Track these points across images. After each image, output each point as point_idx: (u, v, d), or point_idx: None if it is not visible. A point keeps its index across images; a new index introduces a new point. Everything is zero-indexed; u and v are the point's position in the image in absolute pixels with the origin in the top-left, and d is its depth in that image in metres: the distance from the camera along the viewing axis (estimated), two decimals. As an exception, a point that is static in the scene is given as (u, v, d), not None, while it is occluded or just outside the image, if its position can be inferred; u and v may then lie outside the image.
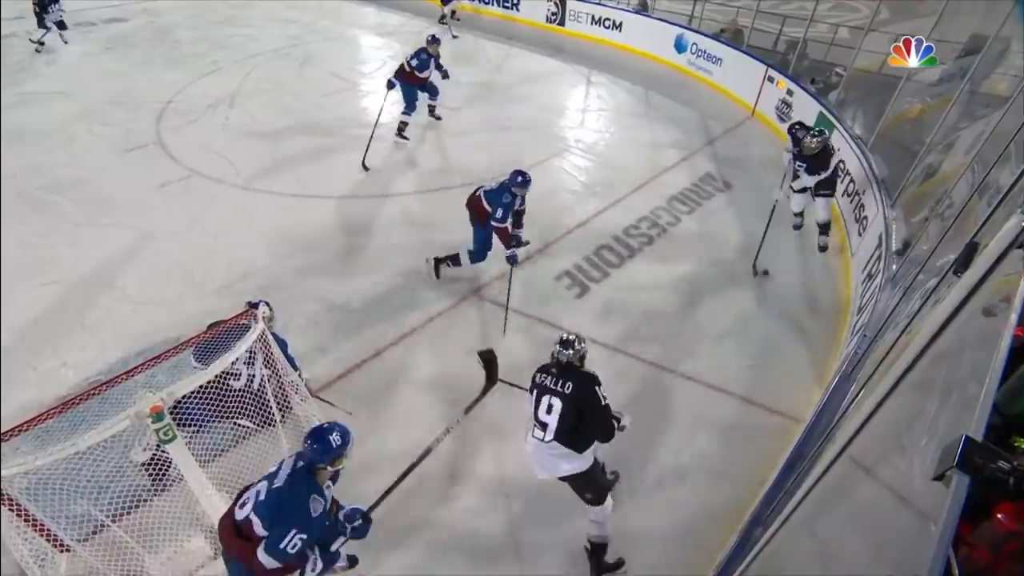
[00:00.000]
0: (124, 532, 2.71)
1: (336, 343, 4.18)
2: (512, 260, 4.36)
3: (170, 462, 2.74)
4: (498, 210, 4.25)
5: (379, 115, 6.62)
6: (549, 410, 2.61)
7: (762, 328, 4.45)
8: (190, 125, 7.32)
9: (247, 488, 2.38)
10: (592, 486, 2.74)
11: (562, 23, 11.03)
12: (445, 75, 7.10)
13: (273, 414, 3.02)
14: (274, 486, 2.27)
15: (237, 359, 2.81)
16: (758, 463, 3.36)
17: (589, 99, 8.62)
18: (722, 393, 3.89)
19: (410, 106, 6.85)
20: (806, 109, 6.70)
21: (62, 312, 4.42)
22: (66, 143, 6.87)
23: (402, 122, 6.94)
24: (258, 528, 2.22)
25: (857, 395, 2.41)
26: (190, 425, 2.88)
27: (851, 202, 5.42)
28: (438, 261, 4.71)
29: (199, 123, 7.39)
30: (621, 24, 10.19)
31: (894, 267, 3.90)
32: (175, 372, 2.97)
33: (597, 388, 2.62)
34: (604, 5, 10.43)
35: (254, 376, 3.14)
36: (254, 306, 3.23)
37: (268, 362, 3.04)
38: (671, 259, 5.16)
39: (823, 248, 5.36)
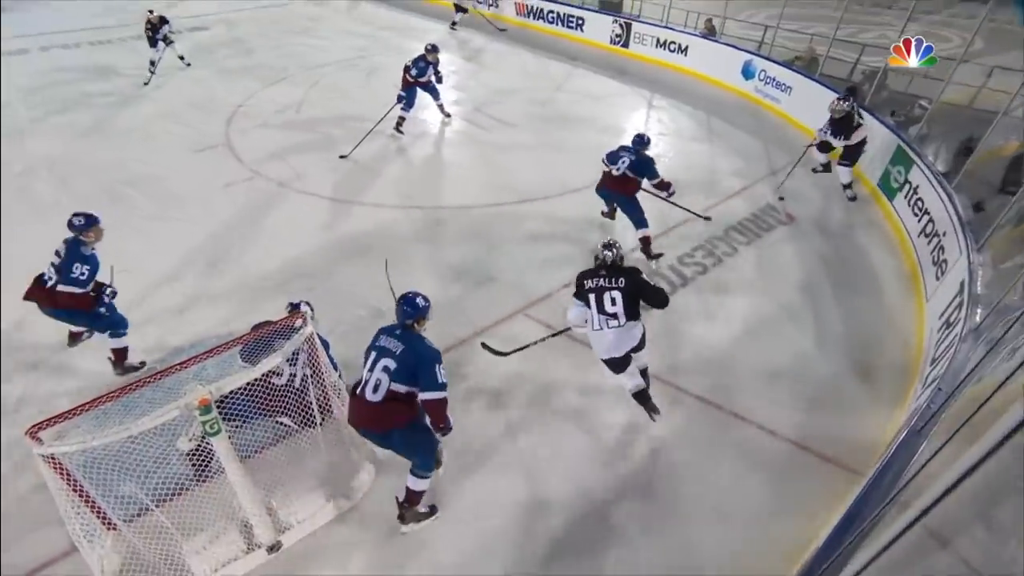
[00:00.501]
0: (165, 517, 2.81)
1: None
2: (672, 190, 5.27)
3: (213, 454, 2.84)
4: (649, 170, 5.07)
5: (383, 116, 7.24)
6: (613, 302, 3.35)
7: (821, 369, 4.22)
8: (257, 129, 7.74)
9: (359, 384, 2.87)
10: (644, 340, 3.53)
11: (626, 45, 11.06)
12: (440, 79, 7.75)
13: (314, 415, 3.08)
14: (398, 354, 2.81)
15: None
16: (808, 515, 3.16)
17: (650, 122, 8.56)
18: (773, 435, 3.70)
19: (409, 104, 7.52)
20: (882, 142, 6.40)
21: (127, 300, 4.70)
22: (144, 140, 7.41)
23: (400, 118, 7.56)
24: (407, 388, 2.80)
25: (933, 456, 2.23)
26: (234, 420, 2.97)
27: (929, 243, 5.10)
28: (649, 255, 5.31)
29: (266, 128, 7.81)
30: (687, 48, 10.12)
31: (978, 317, 3.62)
32: (224, 367, 3.10)
33: (643, 276, 3.48)
34: (670, 28, 10.40)
35: (295, 375, 3.22)
36: (296, 307, 3.36)
37: (312, 363, 3.11)
38: (726, 291, 5.00)
39: (852, 199, 6.42)
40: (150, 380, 2.94)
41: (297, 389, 3.13)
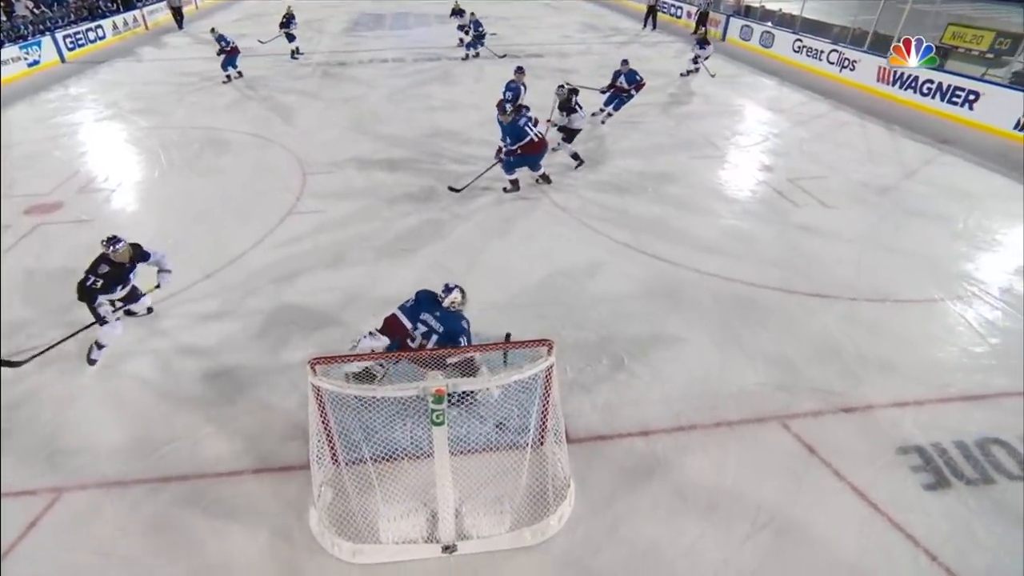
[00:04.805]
0: (375, 473, 3.38)
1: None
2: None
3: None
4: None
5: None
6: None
7: None
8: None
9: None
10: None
11: (1044, 134, 9.11)
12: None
13: (528, 439, 3.34)
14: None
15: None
16: None
17: (1046, 240, 6.85)
18: None
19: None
20: None
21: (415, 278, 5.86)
22: (463, 143, 9.14)
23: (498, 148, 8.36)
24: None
25: None
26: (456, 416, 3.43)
27: None
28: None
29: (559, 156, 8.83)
30: None
31: None
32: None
33: None
34: None
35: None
36: (449, 291, 4.05)
37: (544, 395, 3.38)
38: None
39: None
40: (410, 354, 3.60)
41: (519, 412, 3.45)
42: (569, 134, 8.47)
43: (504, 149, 7.30)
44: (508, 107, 7.40)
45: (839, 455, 3.96)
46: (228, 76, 13.22)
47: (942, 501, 3.68)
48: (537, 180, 7.88)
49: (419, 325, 4.06)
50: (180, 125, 10.61)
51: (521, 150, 7.26)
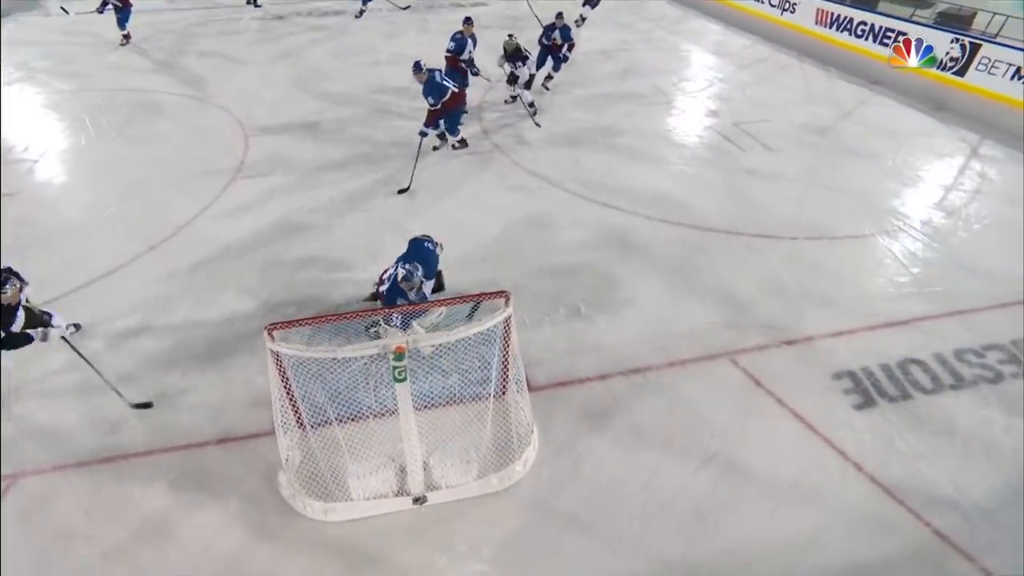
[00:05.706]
0: (341, 434, 3.39)
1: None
2: None
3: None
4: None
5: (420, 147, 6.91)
6: None
7: None
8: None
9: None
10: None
11: (962, 73, 9.39)
12: (476, 72, 8.23)
13: (490, 390, 3.42)
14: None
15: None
16: None
17: (964, 175, 7.22)
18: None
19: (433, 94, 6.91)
20: None
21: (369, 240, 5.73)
22: (412, 98, 8.85)
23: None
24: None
25: None
26: (418, 372, 3.44)
27: None
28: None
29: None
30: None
31: None
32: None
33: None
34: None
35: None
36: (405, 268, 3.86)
37: (504, 346, 3.41)
38: (1027, 416, 4.01)
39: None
40: (363, 314, 3.57)
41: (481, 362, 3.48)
42: (526, 80, 8.27)
43: (429, 109, 6.69)
44: (422, 64, 6.60)
45: (782, 385, 4.20)
46: (125, 36, 11.51)
47: (868, 418, 4.00)
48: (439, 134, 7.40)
49: (393, 268, 4.09)
50: (105, 88, 9.80)
51: (443, 106, 6.72)
